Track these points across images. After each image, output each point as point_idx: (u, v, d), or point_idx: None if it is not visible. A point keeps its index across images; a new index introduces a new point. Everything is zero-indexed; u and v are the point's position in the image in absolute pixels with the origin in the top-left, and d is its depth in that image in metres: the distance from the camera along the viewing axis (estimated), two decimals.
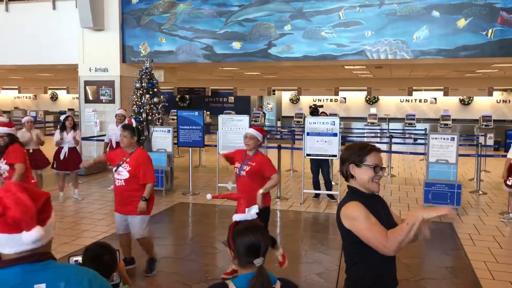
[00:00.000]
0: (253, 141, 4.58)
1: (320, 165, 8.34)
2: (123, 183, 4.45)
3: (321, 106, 8.85)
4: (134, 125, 4.71)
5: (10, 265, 1.38)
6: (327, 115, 8.64)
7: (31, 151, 7.73)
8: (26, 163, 5.10)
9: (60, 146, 8.03)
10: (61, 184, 8.17)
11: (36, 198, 1.40)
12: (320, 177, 8.40)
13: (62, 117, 8.35)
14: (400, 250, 2.09)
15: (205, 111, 10.72)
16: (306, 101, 21.91)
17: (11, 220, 1.34)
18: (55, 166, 8.09)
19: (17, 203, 1.35)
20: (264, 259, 1.87)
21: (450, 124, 17.26)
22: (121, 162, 4.47)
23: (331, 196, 8.35)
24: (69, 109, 22.24)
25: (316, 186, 8.39)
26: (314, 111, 8.81)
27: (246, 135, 4.67)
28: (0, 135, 4.95)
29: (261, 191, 4.41)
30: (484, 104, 19.65)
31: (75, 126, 8.24)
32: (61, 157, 7.97)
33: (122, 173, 4.44)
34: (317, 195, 8.45)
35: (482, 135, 14.33)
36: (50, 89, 25.10)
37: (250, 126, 8.45)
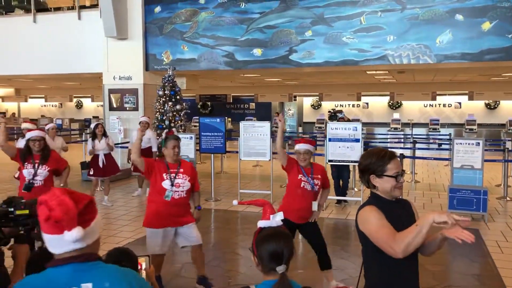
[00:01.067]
0: (309, 155, 4.48)
1: (340, 171, 8.29)
2: (185, 194, 4.26)
3: (340, 112, 8.74)
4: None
5: (61, 264, 1.47)
6: (349, 120, 8.55)
7: None
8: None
9: (95, 154, 8.28)
10: (93, 189, 8.47)
11: (78, 201, 1.49)
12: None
13: (92, 126, 8.55)
14: (408, 253, 2.04)
15: (226, 117, 10.82)
16: (328, 106, 21.79)
17: (54, 220, 1.43)
18: (91, 173, 8.30)
19: (59, 204, 1.45)
20: (288, 266, 1.87)
21: (475, 129, 16.93)
22: (174, 175, 4.23)
23: (339, 202, 8.36)
24: (93, 117, 22.68)
25: (338, 192, 8.34)
26: (333, 116, 8.75)
27: (300, 151, 4.47)
28: (36, 138, 4.80)
29: (317, 203, 4.47)
30: (511, 108, 19.21)
31: (105, 133, 8.51)
32: (100, 164, 8.24)
33: (184, 184, 4.24)
34: (339, 201, 8.40)
35: (509, 140, 14.00)
36: (75, 97, 25.66)
37: (272, 133, 8.48)
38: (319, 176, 4.47)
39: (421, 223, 1.99)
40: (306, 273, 4.97)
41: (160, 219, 4.25)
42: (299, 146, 4.50)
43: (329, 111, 9.15)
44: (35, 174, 4.79)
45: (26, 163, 4.80)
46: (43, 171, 4.80)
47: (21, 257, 2.38)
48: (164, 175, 4.22)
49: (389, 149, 2.38)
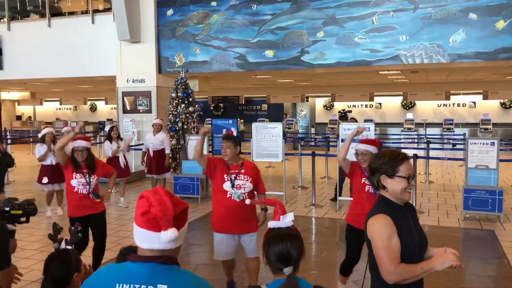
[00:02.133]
0: (367, 156, 4.09)
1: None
2: (247, 196, 4.08)
3: (350, 111, 8.74)
4: (235, 134, 4.41)
5: (143, 261, 1.53)
6: (356, 121, 8.52)
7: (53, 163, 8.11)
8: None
9: (115, 155, 8.46)
10: (122, 190, 8.66)
11: (177, 205, 1.53)
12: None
13: (106, 128, 8.67)
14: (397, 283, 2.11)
15: (239, 119, 10.85)
16: (340, 107, 21.70)
17: (152, 216, 1.48)
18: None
19: (160, 203, 1.50)
20: (296, 267, 1.88)
21: (490, 129, 16.72)
22: (235, 176, 4.10)
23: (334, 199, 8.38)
24: (107, 120, 22.90)
25: (340, 190, 8.36)
26: (343, 116, 8.74)
27: (358, 151, 4.19)
28: (79, 149, 4.67)
29: None
30: None
31: (119, 135, 8.72)
32: (122, 165, 8.46)
33: (245, 186, 4.08)
34: (334, 199, 8.42)
35: None
36: (89, 100, 25.95)
37: (284, 133, 8.46)
38: None
39: (425, 268, 2.06)
40: (319, 274, 4.97)
41: (224, 222, 4.13)
42: (358, 146, 4.21)
43: (339, 112, 9.15)
44: (87, 184, 4.67)
45: (74, 173, 4.68)
46: (93, 180, 4.72)
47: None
48: (225, 176, 4.10)
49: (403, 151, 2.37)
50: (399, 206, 2.27)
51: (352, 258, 4.18)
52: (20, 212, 2.53)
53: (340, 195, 8.31)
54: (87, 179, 4.68)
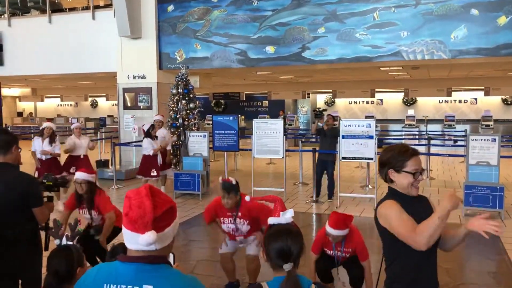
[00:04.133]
0: (339, 238, 3.97)
1: (325, 167, 8.30)
2: (246, 233, 4.25)
3: (325, 110, 8.82)
4: (234, 182, 4.10)
5: (129, 261, 1.53)
6: (333, 117, 8.58)
7: (82, 156, 8.24)
8: (115, 209, 4.53)
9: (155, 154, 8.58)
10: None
11: (159, 206, 1.51)
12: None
13: (145, 127, 8.66)
14: (431, 244, 2.06)
15: (240, 115, 10.84)
16: (342, 103, 21.70)
17: (130, 220, 1.49)
18: (155, 173, 8.59)
19: (139, 207, 1.48)
20: (297, 264, 1.87)
21: (491, 125, 16.69)
22: (232, 219, 4.15)
23: (330, 196, 8.44)
24: (108, 116, 22.90)
25: (318, 187, 8.43)
26: (318, 114, 8.74)
27: (330, 236, 3.95)
28: (78, 181, 4.41)
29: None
30: None
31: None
32: (159, 162, 8.64)
33: (242, 229, 4.19)
34: (329, 195, 8.47)
35: None
36: (90, 96, 25.95)
37: (285, 130, 8.46)
38: None
39: (439, 214, 2.02)
40: None
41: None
42: (330, 231, 3.91)
43: (314, 110, 9.21)
44: (90, 219, 4.51)
45: (78, 209, 4.53)
46: (96, 216, 4.49)
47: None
48: (222, 219, 4.24)
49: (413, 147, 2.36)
50: (408, 196, 2.27)
51: (324, 280, 4.21)
52: (51, 183, 3.39)
53: (319, 190, 8.39)
54: (89, 215, 4.49)
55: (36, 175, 7.53)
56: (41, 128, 7.91)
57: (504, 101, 19.35)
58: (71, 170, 7.90)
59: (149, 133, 8.58)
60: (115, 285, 1.50)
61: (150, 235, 1.46)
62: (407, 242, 2.11)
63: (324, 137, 8.39)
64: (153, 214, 1.47)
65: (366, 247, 4.03)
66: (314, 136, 9.91)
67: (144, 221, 1.47)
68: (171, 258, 2.47)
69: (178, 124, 9.90)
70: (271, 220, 1.98)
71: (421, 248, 2.07)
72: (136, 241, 1.49)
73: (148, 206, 1.48)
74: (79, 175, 4.44)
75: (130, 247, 1.53)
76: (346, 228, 3.91)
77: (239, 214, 4.11)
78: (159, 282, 1.49)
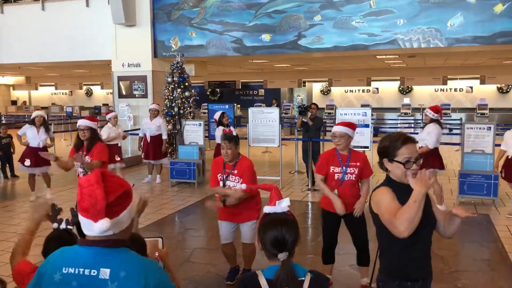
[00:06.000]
0: (344, 139, 4.01)
1: (311, 155, 8.44)
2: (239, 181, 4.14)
3: (310, 106, 8.91)
4: (234, 133, 4.26)
5: (88, 245, 1.55)
6: (317, 107, 8.75)
7: (119, 145, 8.64)
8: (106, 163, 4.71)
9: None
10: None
11: (112, 191, 1.51)
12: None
13: (217, 115, 8.53)
14: (412, 230, 2.05)
15: (235, 104, 10.80)
16: (338, 92, 21.67)
17: (82, 209, 1.50)
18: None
19: (89, 196, 1.49)
20: (292, 253, 1.87)
21: (487, 113, 16.75)
22: (227, 175, 4.12)
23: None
24: (103, 104, 22.79)
25: (313, 176, 8.43)
26: (303, 111, 8.77)
27: (335, 134, 4.04)
28: (81, 127, 4.59)
29: (362, 199, 4.05)
30: None
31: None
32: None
33: (236, 187, 4.08)
34: (312, 185, 8.49)
35: None
36: (85, 85, 25.80)
37: (281, 118, 8.45)
38: (358, 164, 4.06)
39: (414, 198, 2.02)
40: (315, 258, 4.99)
41: (221, 212, 4.28)
42: (335, 128, 4.08)
43: (299, 107, 9.27)
44: (84, 170, 4.59)
45: (75, 152, 4.67)
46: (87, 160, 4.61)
47: None
48: (219, 176, 4.16)
49: (408, 134, 2.33)
50: (403, 184, 2.24)
51: (330, 242, 4.18)
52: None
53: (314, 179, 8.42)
54: (81, 162, 4.60)
55: (27, 163, 7.51)
56: (32, 117, 7.84)
57: (500, 90, 19.39)
58: (116, 159, 8.36)
59: (220, 121, 8.42)
60: (73, 269, 1.52)
61: (103, 223, 1.48)
62: (390, 229, 2.11)
63: (307, 132, 8.65)
64: (105, 200, 1.48)
65: (369, 164, 4.12)
66: (299, 130, 10.05)
67: (96, 209, 1.48)
68: (160, 242, 2.48)
69: (173, 113, 9.86)
70: (267, 209, 1.97)
71: (402, 234, 2.05)
72: (91, 228, 1.50)
73: (99, 194, 1.48)
74: (82, 121, 4.63)
75: (86, 234, 1.54)
76: (351, 128, 4.04)
77: (235, 171, 4.12)
78: (116, 265, 1.51)
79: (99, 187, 1.49)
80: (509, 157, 6.58)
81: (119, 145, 8.69)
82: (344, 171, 4.03)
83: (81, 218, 1.53)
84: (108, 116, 8.69)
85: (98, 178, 1.51)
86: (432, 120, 6.64)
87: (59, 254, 1.61)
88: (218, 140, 8.39)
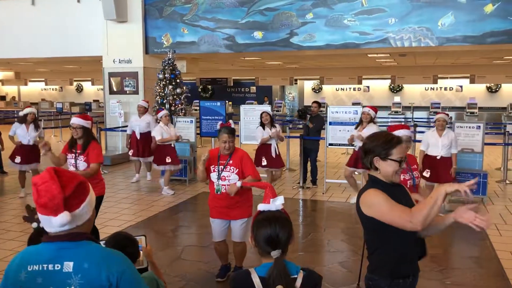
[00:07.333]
0: (409, 143, 4.14)
1: (308, 154, 8.43)
2: (226, 189, 4.11)
3: (307, 113, 8.81)
4: (232, 125, 4.24)
5: (49, 241, 1.57)
6: (318, 104, 8.67)
7: (172, 145, 8.00)
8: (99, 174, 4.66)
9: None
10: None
11: (67, 185, 1.53)
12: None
13: (260, 113, 7.76)
14: (426, 225, 2.08)
15: (227, 101, 10.78)
16: (329, 90, 21.73)
17: (40, 206, 1.52)
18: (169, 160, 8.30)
19: (46, 191, 1.51)
20: (285, 250, 1.88)
21: (476, 112, 16.91)
22: (222, 167, 4.09)
23: (314, 182, 8.55)
24: (94, 101, 22.63)
25: (305, 173, 8.52)
26: (302, 115, 8.74)
27: (404, 139, 3.82)
28: (74, 126, 4.52)
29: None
30: None
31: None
32: (274, 154, 7.72)
33: (230, 178, 4.07)
34: (313, 182, 8.57)
35: (510, 123, 13.96)
36: (75, 81, 25.58)
37: (273, 116, 8.43)
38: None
39: (435, 195, 2.03)
40: (306, 255, 5.02)
41: (213, 209, 4.25)
42: (401, 133, 3.99)
43: (298, 111, 9.24)
44: (75, 165, 4.53)
45: (68, 153, 4.60)
46: (80, 162, 4.53)
47: None
48: (212, 167, 4.13)
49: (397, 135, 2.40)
50: (389, 184, 2.31)
51: None
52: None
53: (306, 177, 8.49)
54: (74, 161, 4.56)
55: (18, 160, 7.42)
56: (22, 113, 7.67)
57: (489, 89, 19.58)
58: (167, 160, 7.82)
59: (262, 122, 7.67)
60: (37, 265, 1.54)
61: (64, 216, 1.51)
62: (402, 225, 2.12)
63: (308, 135, 8.64)
64: (63, 194, 1.51)
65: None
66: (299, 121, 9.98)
67: (54, 204, 1.50)
68: (143, 240, 2.48)
69: (164, 110, 9.81)
70: (261, 207, 1.98)
71: (417, 228, 2.09)
72: (51, 224, 1.53)
73: (56, 188, 1.51)
74: (75, 120, 4.55)
75: (48, 230, 1.57)
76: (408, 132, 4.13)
77: (230, 161, 4.10)
78: (79, 258, 1.53)
79: (54, 182, 1.52)
80: (429, 155, 6.56)
81: (172, 145, 7.99)
82: (413, 176, 4.20)
83: (41, 216, 1.55)
84: (159, 115, 8.15)
85: (52, 174, 1.54)
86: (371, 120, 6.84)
87: (24, 253, 1.63)
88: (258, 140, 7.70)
